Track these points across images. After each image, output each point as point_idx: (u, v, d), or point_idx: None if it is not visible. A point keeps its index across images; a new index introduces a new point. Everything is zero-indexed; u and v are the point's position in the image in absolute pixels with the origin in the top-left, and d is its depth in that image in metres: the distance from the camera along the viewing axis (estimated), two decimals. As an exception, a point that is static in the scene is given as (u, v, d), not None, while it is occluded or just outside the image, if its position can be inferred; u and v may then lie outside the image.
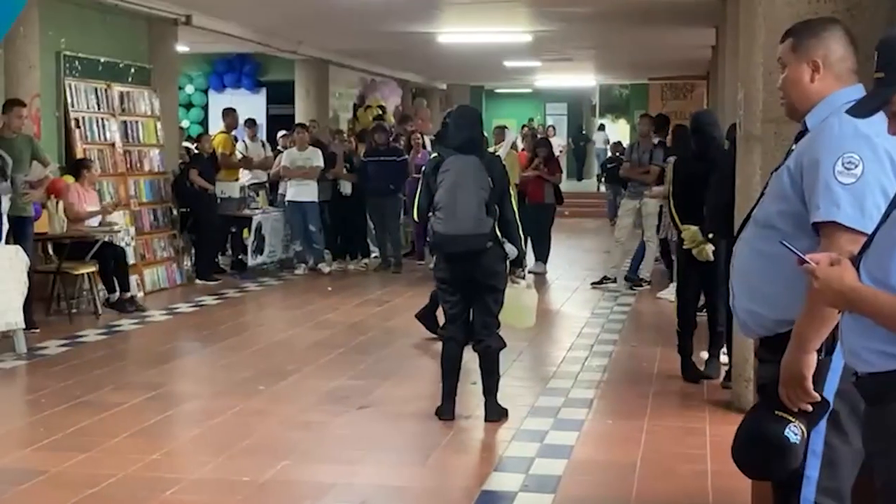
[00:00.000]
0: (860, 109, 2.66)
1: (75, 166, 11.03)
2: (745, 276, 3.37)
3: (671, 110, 23.21)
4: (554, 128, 29.80)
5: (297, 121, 16.73)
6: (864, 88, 3.19)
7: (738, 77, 7.78)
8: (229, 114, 14.60)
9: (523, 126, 25.33)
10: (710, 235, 7.43)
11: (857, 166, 2.98)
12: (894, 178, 2.96)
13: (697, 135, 8.06)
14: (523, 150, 16.96)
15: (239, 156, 14.42)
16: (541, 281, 13.15)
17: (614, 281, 12.78)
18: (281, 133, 16.37)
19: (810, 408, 2.99)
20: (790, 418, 3.01)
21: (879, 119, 2.67)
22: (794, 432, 2.99)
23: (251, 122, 15.47)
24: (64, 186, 10.62)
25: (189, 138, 16.37)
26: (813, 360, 2.96)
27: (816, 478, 3.14)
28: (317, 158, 13.91)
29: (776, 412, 3.04)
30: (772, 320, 3.24)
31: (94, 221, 10.82)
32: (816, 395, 2.99)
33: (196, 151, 13.75)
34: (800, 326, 2.98)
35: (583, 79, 26.93)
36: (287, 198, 13.98)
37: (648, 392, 7.49)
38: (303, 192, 13.82)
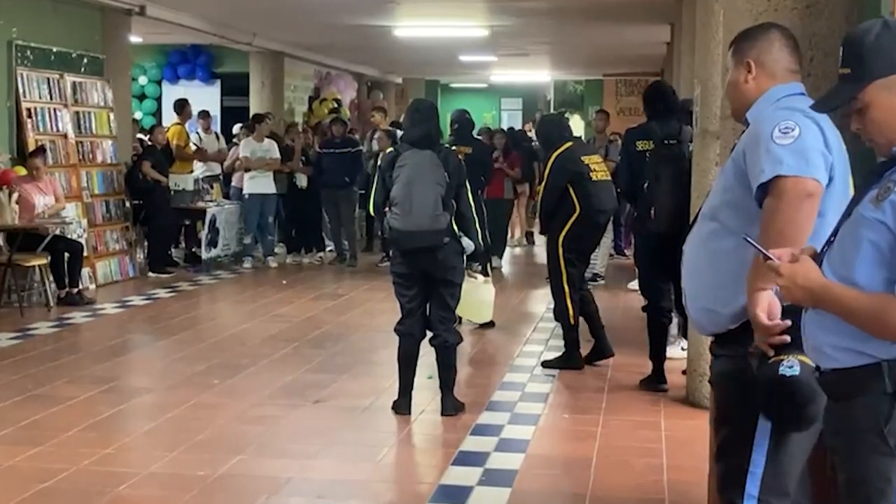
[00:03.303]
0: (825, 104, 2.67)
1: (24, 157, 10.91)
2: (694, 273, 3.38)
3: (626, 106, 23.40)
4: (534, 122, 29.62)
5: (251, 113, 16.60)
6: (801, 86, 3.25)
7: (693, 74, 7.84)
8: (184, 105, 14.48)
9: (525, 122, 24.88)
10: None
11: (793, 130, 3.07)
12: (826, 150, 3.06)
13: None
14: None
15: (193, 148, 14.31)
16: (497, 275, 13.14)
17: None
18: (238, 126, 16.16)
19: (787, 338, 2.95)
20: (779, 358, 2.99)
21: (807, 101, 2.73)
22: (788, 366, 2.97)
23: (205, 114, 15.35)
24: (15, 177, 10.48)
25: (142, 130, 16.20)
26: (757, 297, 2.98)
27: (761, 474, 3.14)
28: (274, 151, 13.87)
29: (767, 360, 3.02)
30: (726, 315, 3.25)
31: (48, 210, 10.70)
32: (773, 322, 2.97)
33: (149, 143, 13.63)
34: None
35: (538, 74, 26.93)
36: (247, 190, 13.83)
37: (604, 386, 7.53)
38: (263, 184, 13.77)
